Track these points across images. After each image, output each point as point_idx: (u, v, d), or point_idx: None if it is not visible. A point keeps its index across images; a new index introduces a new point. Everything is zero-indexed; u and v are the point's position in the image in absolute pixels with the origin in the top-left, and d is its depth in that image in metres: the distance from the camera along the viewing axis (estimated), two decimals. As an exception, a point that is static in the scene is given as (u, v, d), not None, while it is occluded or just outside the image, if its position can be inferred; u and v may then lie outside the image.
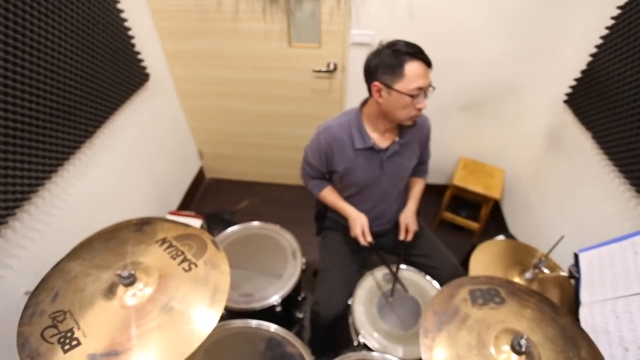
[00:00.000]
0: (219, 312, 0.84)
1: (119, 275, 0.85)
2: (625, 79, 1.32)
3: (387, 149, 1.27)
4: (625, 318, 0.88)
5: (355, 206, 1.38)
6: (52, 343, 0.77)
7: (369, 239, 1.32)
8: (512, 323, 0.86)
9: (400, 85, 1.08)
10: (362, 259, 1.48)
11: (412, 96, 1.09)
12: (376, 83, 1.12)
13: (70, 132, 1.37)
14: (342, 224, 1.44)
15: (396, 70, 1.07)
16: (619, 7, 1.36)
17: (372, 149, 1.25)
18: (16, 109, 1.13)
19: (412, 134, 1.31)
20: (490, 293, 0.94)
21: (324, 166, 1.34)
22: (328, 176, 1.45)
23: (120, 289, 0.86)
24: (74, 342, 0.77)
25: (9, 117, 1.11)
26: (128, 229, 1.04)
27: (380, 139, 1.27)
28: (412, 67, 1.07)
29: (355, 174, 1.30)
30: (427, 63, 1.10)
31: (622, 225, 1.36)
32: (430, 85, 1.11)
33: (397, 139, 1.27)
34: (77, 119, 1.39)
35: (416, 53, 1.07)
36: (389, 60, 1.08)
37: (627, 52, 1.32)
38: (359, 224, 1.33)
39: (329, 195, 1.42)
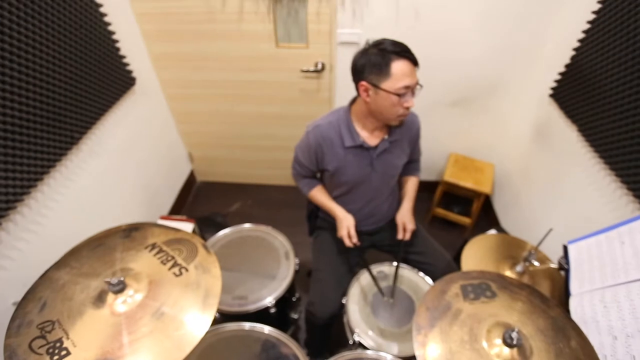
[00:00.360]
0: (211, 315, 0.84)
1: (108, 283, 0.83)
2: (608, 71, 1.35)
3: (376, 147, 1.27)
4: (613, 307, 0.89)
5: (345, 205, 1.38)
6: (40, 354, 0.75)
7: (354, 240, 1.32)
8: (504, 316, 0.87)
9: (387, 85, 1.08)
10: (356, 257, 1.47)
11: (399, 95, 1.09)
12: (363, 82, 1.12)
13: (56, 139, 1.35)
14: (333, 223, 1.43)
15: (383, 69, 1.07)
16: (599, 1, 1.39)
17: (362, 147, 1.26)
18: (-2, 117, 1.11)
19: (402, 131, 1.31)
20: (482, 287, 0.94)
21: (314, 165, 1.34)
22: (319, 175, 1.44)
23: (110, 297, 0.85)
24: (63, 352, 0.75)
25: (-9, 125, 1.09)
26: (117, 235, 1.02)
27: (370, 137, 1.27)
28: (399, 66, 1.07)
29: (346, 172, 1.30)
30: (414, 61, 1.10)
31: (608, 216, 1.38)
32: (417, 83, 1.12)
33: (386, 136, 1.28)
34: (62, 125, 1.37)
35: (402, 52, 1.07)
36: (376, 59, 1.08)
37: (609, 45, 1.34)
38: (345, 225, 1.33)
39: (318, 195, 1.42)
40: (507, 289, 0.94)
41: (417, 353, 0.82)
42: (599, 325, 0.90)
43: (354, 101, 1.28)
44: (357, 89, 1.17)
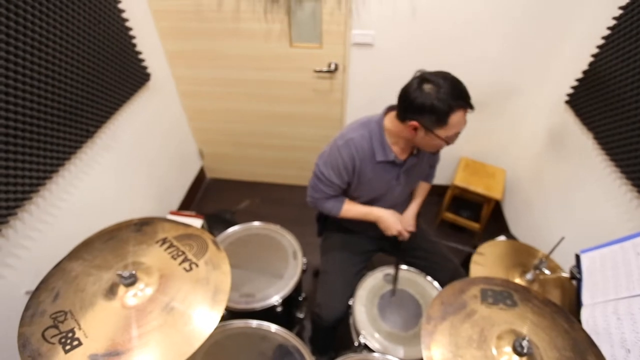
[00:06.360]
0: (220, 312, 0.84)
1: (120, 276, 0.84)
2: (627, 79, 1.32)
3: (405, 162, 1.26)
4: (627, 319, 0.87)
5: None
6: (53, 343, 0.76)
7: (412, 229, 1.36)
8: (518, 326, 0.86)
9: (440, 132, 1.07)
10: (364, 261, 1.47)
11: (448, 142, 1.10)
12: (415, 123, 1.08)
13: (72, 132, 1.37)
14: (343, 225, 1.43)
15: (441, 118, 1.04)
16: (620, 7, 1.36)
17: (393, 162, 1.24)
18: (17, 109, 1.13)
19: None
20: (503, 295, 0.93)
21: (349, 177, 1.27)
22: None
23: (121, 289, 0.86)
24: (75, 343, 0.77)
25: (10, 116, 1.12)
26: (128, 229, 1.03)
27: (400, 152, 1.25)
28: (457, 117, 1.04)
29: (372, 185, 1.28)
30: (471, 107, 1.08)
31: (623, 226, 1.36)
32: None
33: (415, 151, 1.26)
34: (78, 119, 1.39)
35: (464, 103, 1.05)
36: (437, 106, 1.02)
37: (629, 53, 1.31)
38: (398, 225, 1.31)
39: (350, 209, 1.34)
40: (530, 302, 0.92)
41: (424, 341, 0.82)
42: (612, 338, 0.88)
43: (385, 114, 1.23)
44: (404, 121, 1.11)
